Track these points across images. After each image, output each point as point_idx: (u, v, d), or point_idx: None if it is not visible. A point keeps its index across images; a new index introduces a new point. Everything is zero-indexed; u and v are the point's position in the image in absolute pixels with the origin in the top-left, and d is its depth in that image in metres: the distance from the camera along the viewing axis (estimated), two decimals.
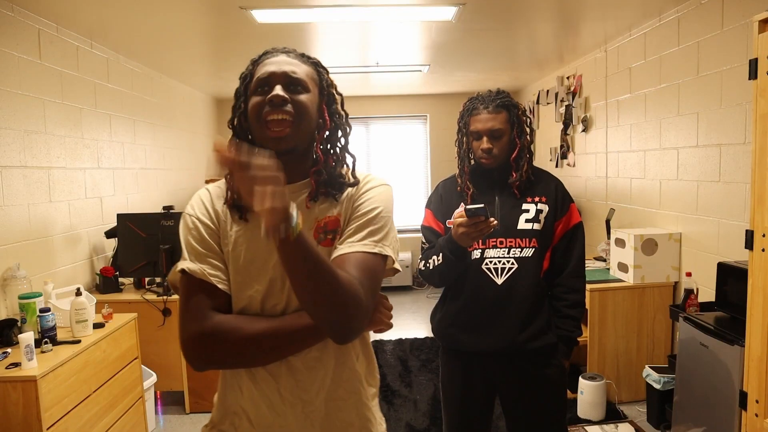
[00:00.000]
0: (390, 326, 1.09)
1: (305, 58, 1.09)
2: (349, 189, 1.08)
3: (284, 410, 1.04)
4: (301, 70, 1.05)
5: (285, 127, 0.99)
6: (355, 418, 1.09)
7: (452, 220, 1.67)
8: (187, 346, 0.97)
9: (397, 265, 1.08)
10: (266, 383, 1.03)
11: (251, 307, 1.02)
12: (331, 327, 0.93)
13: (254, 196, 0.77)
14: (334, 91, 1.11)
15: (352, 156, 1.11)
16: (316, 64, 1.10)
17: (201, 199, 1.08)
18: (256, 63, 1.08)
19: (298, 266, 0.86)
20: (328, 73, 1.11)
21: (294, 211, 0.81)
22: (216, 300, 1.00)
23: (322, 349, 1.04)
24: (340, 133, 1.10)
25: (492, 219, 1.57)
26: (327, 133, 1.08)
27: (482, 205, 1.55)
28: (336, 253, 1.00)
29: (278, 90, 0.99)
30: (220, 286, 1.01)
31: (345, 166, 1.10)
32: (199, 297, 0.99)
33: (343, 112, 1.11)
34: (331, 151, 1.09)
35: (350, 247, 1.00)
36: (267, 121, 0.99)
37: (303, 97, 1.02)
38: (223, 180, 1.10)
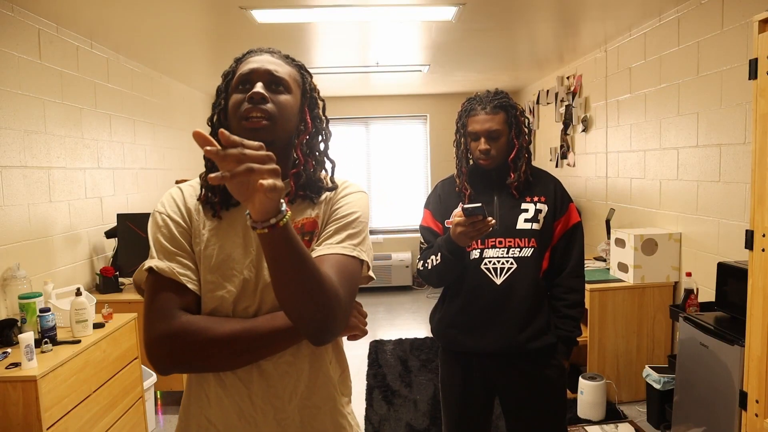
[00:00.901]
0: (365, 333, 1.07)
1: (289, 59, 1.09)
2: (327, 193, 1.08)
3: (255, 417, 0.99)
4: (284, 70, 1.04)
5: (261, 119, 0.97)
6: (330, 426, 1.06)
7: (451, 219, 1.67)
8: (152, 346, 0.92)
9: (371, 273, 1.06)
10: (236, 389, 0.99)
11: (222, 308, 0.98)
12: (309, 326, 0.89)
13: (252, 176, 0.71)
14: (317, 96, 1.10)
15: (332, 161, 1.11)
16: (300, 67, 1.10)
17: (172, 197, 1.05)
18: (239, 61, 1.07)
19: (283, 258, 0.81)
20: (311, 77, 1.11)
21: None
22: (184, 300, 0.96)
23: (296, 353, 1.01)
24: (320, 138, 1.10)
25: (490, 218, 1.57)
26: (308, 136, 1.07)
27: (480, 204, 1.54)
28: (314, 255, 0.98)
29: (259, 87, 0.98)
30: (189, 285, 0.97)
31: (324, 170, 1.10)
32: (166, 296, 0.95)
33: (324, 117, 1.11)
34: (311, 154, 1.08)
35: (329, 248, 0.99)
36: (246, 118, 0.98)
37: (283, 97, 1.01)
38: (196, 179, 1.09)
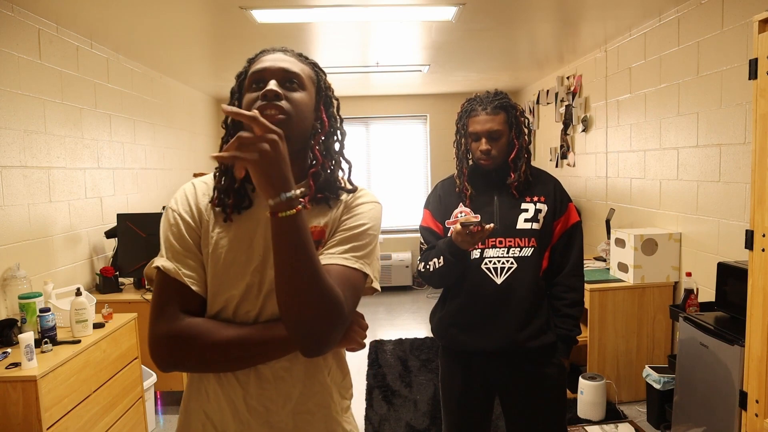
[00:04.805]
0: (363, 346, 1.06)
1: (303, 57, 1.07)
2: (340, 200, 1.06)
3: (248, 419, 1.01)
4: (297, 67, 1.02)
5: (277, 115, 0.95)
6: None
7: (451, 220, 1.67)
8: (153, 345, 0.95)
9: (376, 285, 1.05)
10: (233, 389, 1.01)
11: (225, 311, 1.00)
12: (306, 334, 0.89)
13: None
14: (332, 95, 1.09)
15: (348, 162, 1.10)
16: (314, 65, 1.08)
17: (185, 195, 1.05)
18: (252, 61, 1.06)
19: (291, 250, 0.85)
20: (326, 75, 1.10)
21: (293, 189, 0.84)
22: (188, 301, 0.98)
23: (292, 359, 1.01)
24: (336, 137, 1.08)
25: (488, 225, 1.60)
26: (324, 136, 1.06)
27: (477, 219, 1.60)
28: None
29: (272, 84, 0.97)
30: (193, 287, 0.98)
31: (341, 170, 1.09)
32: (170, 297, 0.97)
33: (338, 117, 1.09)
34: (328, 154, 1.07)
35: (330, 258, 0.98)
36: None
37: (298, 94, 1.00)
38: (211, 175, 1.08)
